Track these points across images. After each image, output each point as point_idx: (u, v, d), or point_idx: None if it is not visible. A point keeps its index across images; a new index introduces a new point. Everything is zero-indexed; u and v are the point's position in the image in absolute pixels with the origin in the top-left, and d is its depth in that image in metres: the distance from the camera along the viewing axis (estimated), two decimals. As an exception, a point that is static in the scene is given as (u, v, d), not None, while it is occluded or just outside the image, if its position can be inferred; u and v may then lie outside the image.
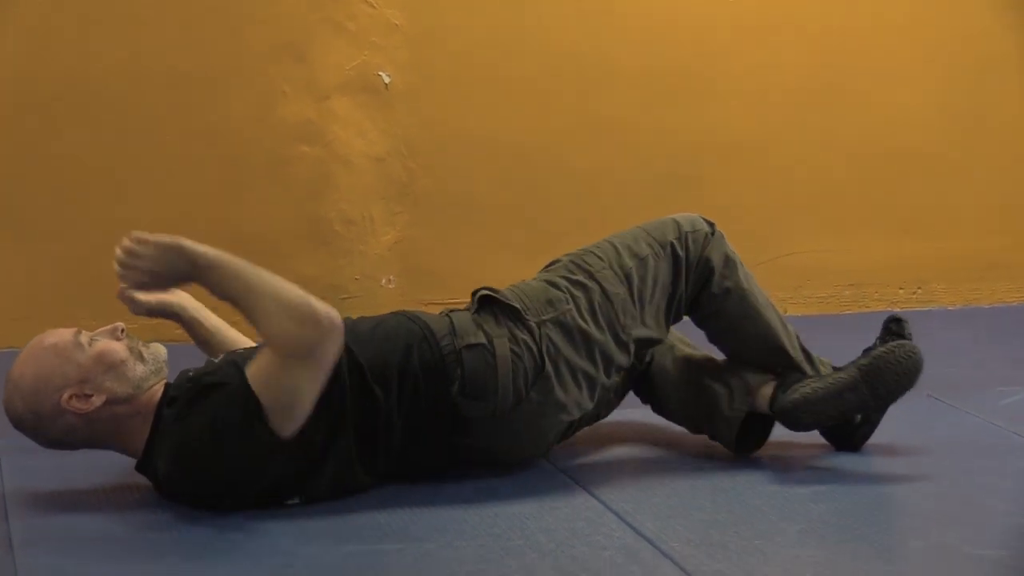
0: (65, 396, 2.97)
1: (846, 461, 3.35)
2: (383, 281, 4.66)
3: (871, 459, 3.37)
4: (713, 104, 4.82)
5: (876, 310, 4.90)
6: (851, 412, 3.24)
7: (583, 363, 3.23)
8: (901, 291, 4.97)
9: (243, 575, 2.72)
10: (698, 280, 3.36)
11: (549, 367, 3.19)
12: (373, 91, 4.58)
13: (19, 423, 3.04)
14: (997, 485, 3.20)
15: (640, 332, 3.30)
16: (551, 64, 4.65)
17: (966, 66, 4.90)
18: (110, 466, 3.23)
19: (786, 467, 3.30)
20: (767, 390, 3.31)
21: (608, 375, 3.27)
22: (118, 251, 2.93)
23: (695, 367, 3.44)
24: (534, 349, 3.18)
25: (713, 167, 4.82)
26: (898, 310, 4.92)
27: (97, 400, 2.99)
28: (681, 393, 3.43)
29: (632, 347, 3.29)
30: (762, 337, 3.38)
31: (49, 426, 3.01)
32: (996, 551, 2.82)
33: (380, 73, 4.58)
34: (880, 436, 3.43)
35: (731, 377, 3.36)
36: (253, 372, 2.92)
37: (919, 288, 4.98)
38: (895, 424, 3.43)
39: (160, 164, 4.48)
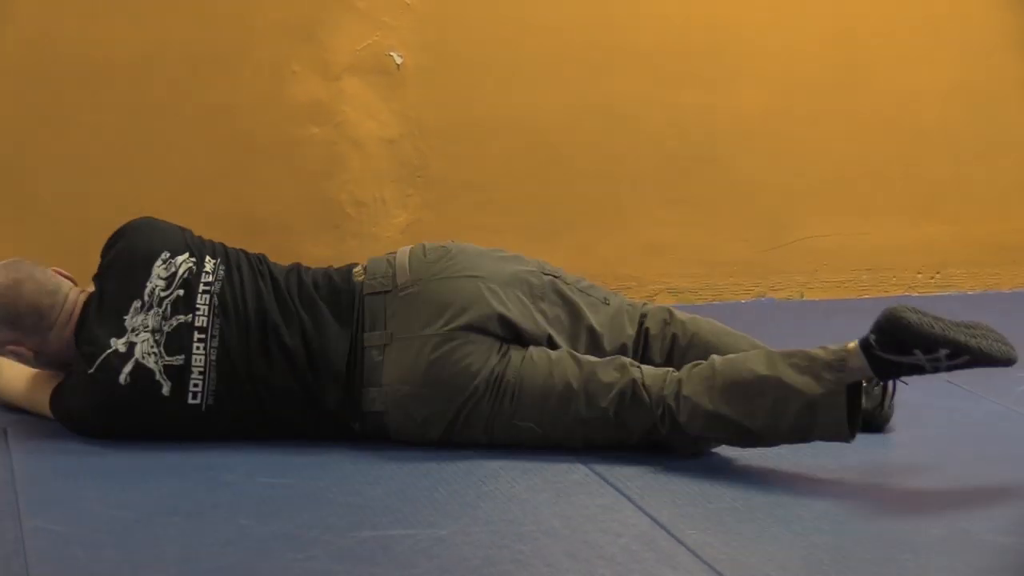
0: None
1: (862, 448, 3.33)
2: (395, 264, 4.64)
3: (888, 446, 3.37)
4: (728, 85, 4.81)
5: (894, 295, 4.88)
6: (949, 337, 2.97)
7: (493, 251, 3.36)
8: (919, 275, 4.95)
9: (257, 560, 2.71)
10: (657, 324, 3.39)
11: (452, 244, 3.35)
12: (384, 72, 4.56)
13: None
14: (1016, 472, 3.19)
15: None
16: (564, 44, 4.63)
17: (984, 45, 4.88)
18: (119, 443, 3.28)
19: (802, 454, 3.27)
20: (852, 344, 3.09)
21: (530, 269, 3.32)
22: None
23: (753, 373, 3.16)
24: (437, 244, 3.37)
25: (728, 148, 4.80)
26: (916, 294, 4.92)
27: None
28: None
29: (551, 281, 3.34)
30: (746, 342, 3.35)
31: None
32: (1017, 538, 2.81)
33: (392, 53, 4.56)
34: (896, 422, 3.42)
35: (801, 359, 3.11)
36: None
37: (937, 272, 4.96)
38: (913, 409, 3.42)
39: (169, 144, 4.48)
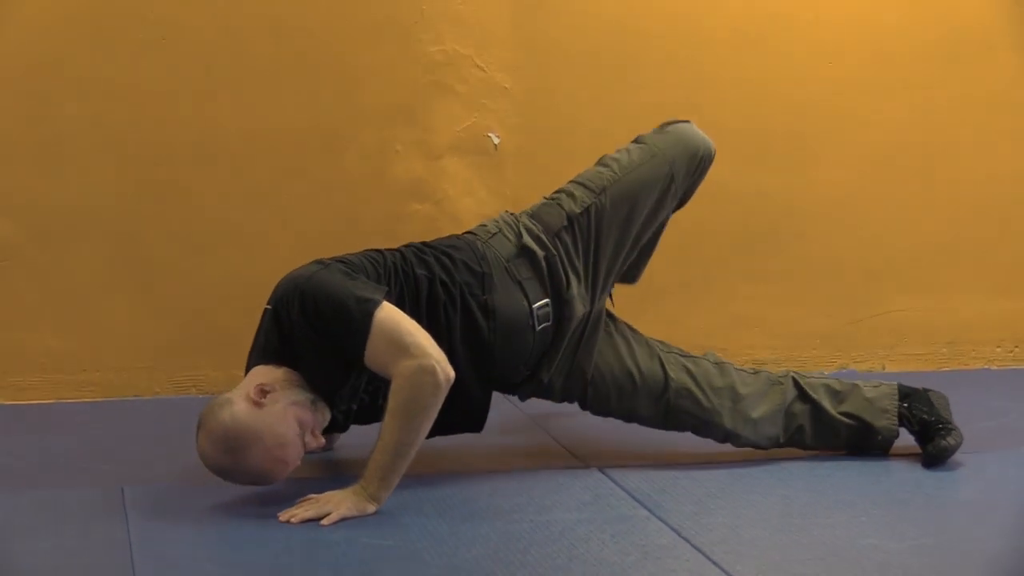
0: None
1: (945, 514, 3.40)
2: (490, 334, 4.70)
3: (975, 517, 3.39)
4: (809, 162, 4.82)
5: (974, 368, 4.90)
6: None
7: None
8: (998, 349, 4.96)
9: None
10: None
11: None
12: (483, 152, 4.65)
13: None
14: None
15: None
16: (653, 126, 4.69)
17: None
18: (231, 500, 3.39)
19: (887, 528, 3.30)
20: None
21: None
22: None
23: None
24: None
25: (810, 225, 4.84)
26: (995, 367, 4.93)
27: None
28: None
29: None
30: None
31: None
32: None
33: (489, 134, 4.66)
34: (986, 498, 3.49)
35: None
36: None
37: (1016, 347, 4.97)
38: (999, 484, 3.50)
39: (279, 218, 4.55)
